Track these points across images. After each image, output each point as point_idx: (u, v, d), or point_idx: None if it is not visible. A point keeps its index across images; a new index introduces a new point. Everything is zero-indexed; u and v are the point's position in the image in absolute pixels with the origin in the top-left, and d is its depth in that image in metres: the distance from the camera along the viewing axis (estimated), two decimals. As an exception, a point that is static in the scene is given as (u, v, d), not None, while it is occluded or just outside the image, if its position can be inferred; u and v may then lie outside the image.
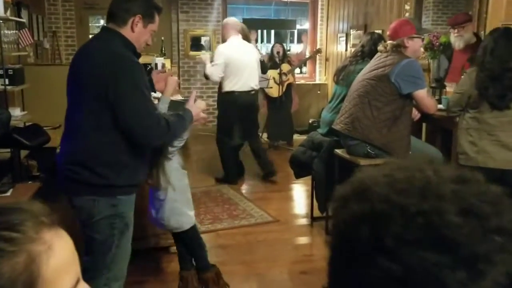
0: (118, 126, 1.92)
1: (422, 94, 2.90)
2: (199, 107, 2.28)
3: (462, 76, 2.82)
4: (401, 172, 0.45)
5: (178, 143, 2.40)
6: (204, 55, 4.86)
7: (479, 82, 2.60)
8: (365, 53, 3.60)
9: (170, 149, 2.39)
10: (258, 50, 4.95)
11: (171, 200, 2.49)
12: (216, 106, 7.42)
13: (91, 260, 2.00)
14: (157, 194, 2.51)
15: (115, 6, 2.03)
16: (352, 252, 0.44)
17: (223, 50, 4.62)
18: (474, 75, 2.65)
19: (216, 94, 7.43)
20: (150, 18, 2.04)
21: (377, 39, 3.65)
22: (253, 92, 4.70)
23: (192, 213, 2.63)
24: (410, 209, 0.41)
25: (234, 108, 4.64)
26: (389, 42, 3.00)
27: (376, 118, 2.92)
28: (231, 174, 4.82)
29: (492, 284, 0.38)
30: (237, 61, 4.55)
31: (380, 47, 3.04)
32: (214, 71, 4.57)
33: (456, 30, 3.80)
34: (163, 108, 2.30)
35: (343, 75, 3.65)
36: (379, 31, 5.45)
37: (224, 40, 4.82)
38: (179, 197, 2.52)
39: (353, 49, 4.24)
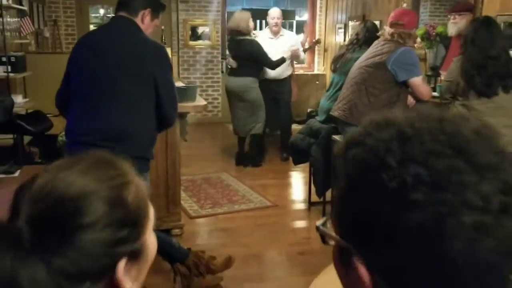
0: (157, 108, 2.12)
1: (418, 81, 2.98)
2: None
3: (451, 64, 2.89)
4: (413, 112, 0.55)
5: None
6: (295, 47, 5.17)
7: (465, 72, 2.68)
8: (360, 41, 3.69)
9: None
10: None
11: None
12: (216, 96, 7.52)
13: None
14: None
15: None
16: (383, 166, 0.50)
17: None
18: (459, 64, 2.73)
19: (216, 84, 7.52)
20: (156, 13, 2.23)
21: (370, 27, 3.75)
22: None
23: None
24: (433, 130, 0.51)
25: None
26: (400, 30, 3.02)
27: (373, 104, 3.00)
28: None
29: (495, 188, 0.48)
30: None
31: (386, 35, 3.07)
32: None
33: (453, 17, 3.87)
34: None
35: (340, 64, 3.73)
36: (377, 22, 5.53)
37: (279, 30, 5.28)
38: None
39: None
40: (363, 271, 0.53)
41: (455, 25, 3.85)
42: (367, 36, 3.68)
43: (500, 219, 0.48)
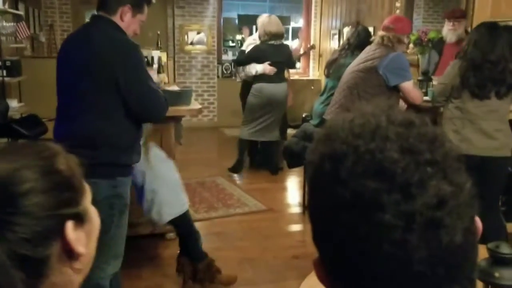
0: (124, 109, 2.01)
1: (409, 86, 3.03)
2: None
3: (446, 68, 2.93)
4: (360, 118, 0.56)
5: None
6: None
7: (461, 71, 2.72)
8: (352, 45, 3.74)
9: None
10: (251, 40, 5.05)
11: (149, 192, 2.46)
12: (212, 100, 7.55)
13: None
14: (135, 180, 2.46)
15: None
16: (318, 183, 0.55)
17: None
18: (457, 67, 2.77)
19: (211, 89, 7.55)
20: (139, 8, 2.12)
21: (362, 32, 3.80)
22: None
23: (179, 203, 2.59)
24: (360, 148, 0.51)
25: None
26: (390, 34, 3.08)
27: (351, 112, 3.03)
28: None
29: (421, 204, 0.48)
30: None
31: (377, 39, 3.13)
32: None
33: (451, 23, 3.90)
34: None
35: (333, 69, 3.78)
36: (371, 28, 5.58)
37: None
38: (159, 188, 2.48)
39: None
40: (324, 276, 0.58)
41: (454, 31, 3.88)
42: (359, 41, 3.73)
43: (427, 234, 0.48)
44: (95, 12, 2.13)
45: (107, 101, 2.00)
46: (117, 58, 1.97)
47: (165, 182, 2.55)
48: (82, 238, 0.69)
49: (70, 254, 0.67)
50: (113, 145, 2.04)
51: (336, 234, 0.52)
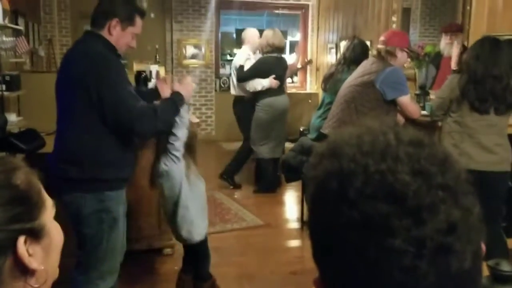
0: (105, 123, 2.00)
1: (406, 100, 3.04)
2: (187, 83, 2.30)
3: (445, 82, 2.94)
4: (368, 135, 0.54)
5: (182, 134, 2.30)
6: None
7: (462, 84, 2.70)
8: (347, 60, 3.75)
9: (176, 144, 2.30)
10: (249, 57, 4.98)
11: (182, 207, 2.42)
12: (209, 114, 7.57)
13: (84, 255, 2.09)
14: (164, 202, 2.47)
15: (95, 10, 2.10)
16: (323, 200, 0.53)
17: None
18: (455, 81, 2.77)
19: (209, 102, 7.57)
20: (129, 21, 2.07)
21: (357, 45, 3.81)
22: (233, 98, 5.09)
23: (204, 224, 2.57)
24: (370, 168, 0.50)
25: None
26: (382, 47, 3.12)
27: (355, 126, 3.03)
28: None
29: (431, 230, 0.47)
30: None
31: (374, 52, 3.18)
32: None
33: (448, 37, 3.92)
34: (185, 117, 2.28)
35: (330, 84, 3.79)
36: (368, 42, 5.63)
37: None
38: (191, 205, 2.44)
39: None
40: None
41: (451, 45, 3.89)
42: (354, 55, 3.74)
43: (437, 260, 0.47)
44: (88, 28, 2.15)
45: (87, 116, 2.00)
46: (89, 71, 1.96)
47: (197, 201, 2.51)
48: (38, 254, 0.69)
49: (23, 269, 0.66)
50: (96, 160, 2.04)
51: (341, 254, 0.50)
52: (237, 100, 5.06)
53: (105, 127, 2.01)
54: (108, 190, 2.07)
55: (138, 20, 2.11)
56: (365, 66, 3.16)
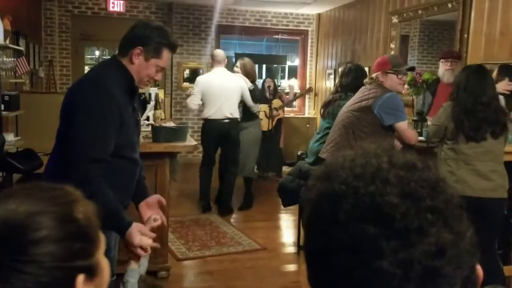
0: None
1: (403, 126, 3.05)
2: (144, 237, 1.82)
3: (439, 109, 2.96)
4: (362, 158, 0.54)
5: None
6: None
7: (455, 116, 2.75)
8: (343, 86, 3.76)
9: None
10: (245, 80, 5.01)
11: None
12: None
13: None
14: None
15: (124, 36, 1.99)
16: (316, 222, 0.53)
17: (199, 80, 4.93)
18: (450, 109, 2.80)
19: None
20: (155, 52, 1.93)
21: (352, 70, 3.83)
22: (227, 121, 4.79)
23: None
24: (360, 191, 0.50)
25: (210, 135, 4.86)
26: (376, 74, 3.17)
27: (352, 150, 3.03)
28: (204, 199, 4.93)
29: (419, 252, 0.46)
30: (213, 90, 4.75)
31: (365, 80, 3.22)
32: (189, 100, 4.90)
33: (449, 64, 3.91)
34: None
35: (328, 111, 3.81)
36: (366, 68, 5.68)
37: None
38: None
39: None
40: None
41: (451, 72, 3.84)
42: (350, 80, 3.75)
43: (425, 283, 0.46)
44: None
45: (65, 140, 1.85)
46: (74, 99, 1.85)
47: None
48: None
49: None
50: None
51: (331, 278, 0.50)
52: (237, 122, 4.97)
53: None
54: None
55: (166, 54, 1.97)
56: (363, 91, 3.18)
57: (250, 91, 4.92)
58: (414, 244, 0.46)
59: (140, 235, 1.81)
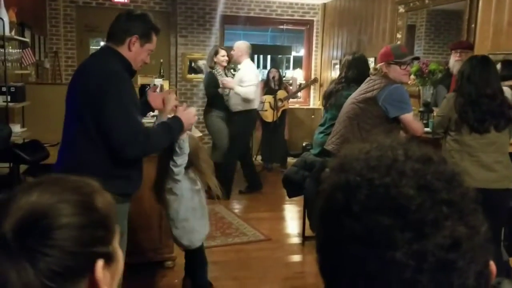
0: (105, 138, 2.02)
1: (409, 117, 3.03)
2: (190, 112, 2.31)
3: (443, 100, 2.94)
4: (377, 150, 0.54)
5: (182, 161, 2.36)
6: (226, 79, 5.19)
7: (459, 106, 2.73)
8: (348, 78, 3.72)
9: (175, 169, 2.37)
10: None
11: (182, 219, 2.53)
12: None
13: None
14: (168, 214, 2.58)
15: (114, 26, 2.15)
16: (329, 213, 0.53)
17: (255, 72, 5.25)
18: (453, 100, 2.78)
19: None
20: (147, 38, 2.14)
21: (358, 61, 3.77)
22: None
23: (204, 230, 2.68)
24: (375, 182, 0.50)
25: (253, 125, 5.36)
26: (380, 65, 3.15)
27: (365, 139, 3.03)
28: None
29: (434, 245, 0.47)
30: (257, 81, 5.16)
31: (370, 71, 3.21)
32: (251, 90, 5.03)
33: (458, 54, 3.87)
34: (185, 147, 2.34)
35: (331, 102, 3.79)
36: (372, 58, 5.65)
37: (237, 62, 5.37)
38: (191, 216, 2.55)
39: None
40: None
41: (461, 62, 3.81)
42: (356, 73, 3.70)
43: (438, 276, 0.46)
44: (103, 43, 2.20)
45: (95, 129, 2.02)
46: (97, 87, 2.00)
47: (199, 211, 2.62)
48: (108, 279, 0.69)
49: None
50: (96, 172, 2.00)
51: (343, 268, 0.50)
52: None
53: (102, 141, 2.03)
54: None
55: (154, 37, 2.19)
56: (368, 82, 3.17)
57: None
58: (428, 236, 0.47)
59: (185, 113, 2.26)
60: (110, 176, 2.03)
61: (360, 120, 3.08)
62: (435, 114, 3.50)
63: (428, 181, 0.49)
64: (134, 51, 2.11)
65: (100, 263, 0.67)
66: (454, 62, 3.87)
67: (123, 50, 2.10)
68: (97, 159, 2.03)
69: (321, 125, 3.97)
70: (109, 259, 0.70)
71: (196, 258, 2.71)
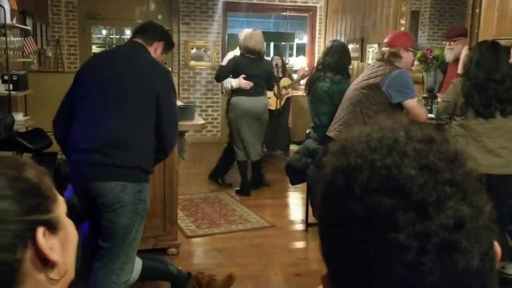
0: (157, 128, 2.17)
1: (412, 103, 3.02)
2: None
3: (449, 86, 2.92)
4: (379, 132, 0.54)
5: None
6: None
7: (465, 90, 2.71)
8: (325, 65, 3.66)
9: None
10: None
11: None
12: (215, 116, 7.57)
13: (111, 245, 2.12)
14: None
15: (150, 27, 2.42)
16: (330, 196, 0.53)
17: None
18: (460, 85, 2.76)
19: (215, 104, 7.57)
20: (167, 49, 2.45)
21: (338, 50, 3.69)
22: None
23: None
24: (376, 163, 0.49)
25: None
26: (385, 49, 3.11)
27: (368, 125, 3.02)
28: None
29: (437, 225, 0.46)
30: None
31: (377, 55, 3.18)
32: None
33: (448, 43, 3.95)
34: None
35: (311, 96, 3.80)
36: (375, 44, 5.60)
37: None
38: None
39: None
40: None
41: (451, 51, 3.91)
42: (333, 61, 3.64)
43: (442, 257, 0.46)
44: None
45: (146, 112, 2.15)
46: (161, 80, 2.21)
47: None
48: (56, 246, 0.70)
49: (44, 261, 0.68)
50: (143, 152, 2.15)
51: (345, 251, 0.50)
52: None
53: (152, 124, 2.17)
54: (145, 181, 2.17)
55: (168, 51, 2.51)
56: (372, 68, 3.15)
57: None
58: (431, 216, 0.46)
59: None
60: (148, 154, 2.17)
61: (363, 106, 3.06)
62: (439, 100, 3.49)
63: (430, 161, 0.49)
64: (157, 55, 2.37)
65: (40, 230, 0.68)
66: (446, 50, 3.95)
67: (150, 49, 2.34)
68: (142, 137, 2.14)
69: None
70: (52, 226, 0.70)
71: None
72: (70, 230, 0.75)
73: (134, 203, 2.10)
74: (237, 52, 4.94)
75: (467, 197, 0.48)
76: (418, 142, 0.51)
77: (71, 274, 0.75)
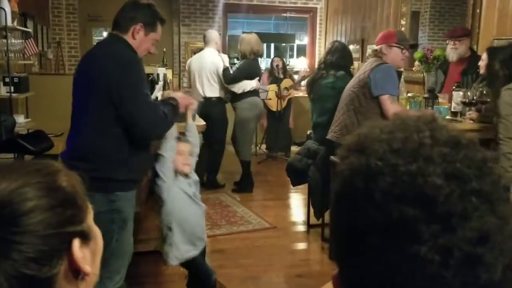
0: (122, 124, 2.04)
1: (385, 99, 3.01)
2: (178, 95, 2.47)
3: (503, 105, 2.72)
4: (401, 131, 0.50)
5: (161, 164, 2.31)
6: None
7: None
8: (327, 64, 3.70)
9: (157, 171, 2.32)
10: (222, 58, 4.91)
11: (165, 227, 2.40)
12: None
13: None
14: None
15: (119, 15, 2.18)
16: (348, 199, 0.50)
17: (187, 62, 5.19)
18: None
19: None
20: (152, 27, 2.18)
21: (338, 49, 3.75)
22: (203, 101, 4.75)
23: (187, 250, 2.46)
24: (399, 168, 0.46)
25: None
26: (377, 47, 3.19)
27: (361, 122, 3.02)
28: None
29: (461, 238, 0.44)
30: (192, 71, 4.94)
31: (368, 52, 3.25)
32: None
33: (452, 43, 3.91)
34: (191, 135, 2.52)
35: (314, 95, 3.80)
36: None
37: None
38: (176, 227, 2.40)
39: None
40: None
41: (455, 50, 3.88)
42: (335, 59, 3.68)
43: (464, 271, 0.44)
44: (105, 33, 2.23)
45: (104, 115, 2.03)
46: (114, 72, 2.02)
47: (186, 225, 2.45)
48: (88, 257, 0.68)
49: (76, 273, 0.66)
50: (109, 160, 2.06)
51: (363, 255, 0.48)
52: (217, 102, 4.90)
53: (119, 128, 2.04)
54: (119, 190, 2.08)
55: (159, 27, 2.22)
56: (364, 67, 3.20)
57: (223, 70, 4.84)
58: (455, 229, 0.44)
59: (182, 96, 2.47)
60: (117, 162, 2.07)
61: (355, 105, 3.11)
62: (443, 101, 3.49)
63: (457, 169, 0.46)
64: (138, 39, 2.14)
65: (76, 242, 0.66)
66: (449, 50, 3.92)
67: (127, 38, 2.14)
68: (107, 145, 2.05)
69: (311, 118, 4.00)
70: (85, 237, 0.68)
71: (193, 274, 2.63)
72: (99, 240, 0.73)
73: (108, 212, 2.04)
74: (214, 51, 4.96)
75: (494, 208, 0.46)
76: (444, 145, 0.48)
77: (95, 282, 0.73)
